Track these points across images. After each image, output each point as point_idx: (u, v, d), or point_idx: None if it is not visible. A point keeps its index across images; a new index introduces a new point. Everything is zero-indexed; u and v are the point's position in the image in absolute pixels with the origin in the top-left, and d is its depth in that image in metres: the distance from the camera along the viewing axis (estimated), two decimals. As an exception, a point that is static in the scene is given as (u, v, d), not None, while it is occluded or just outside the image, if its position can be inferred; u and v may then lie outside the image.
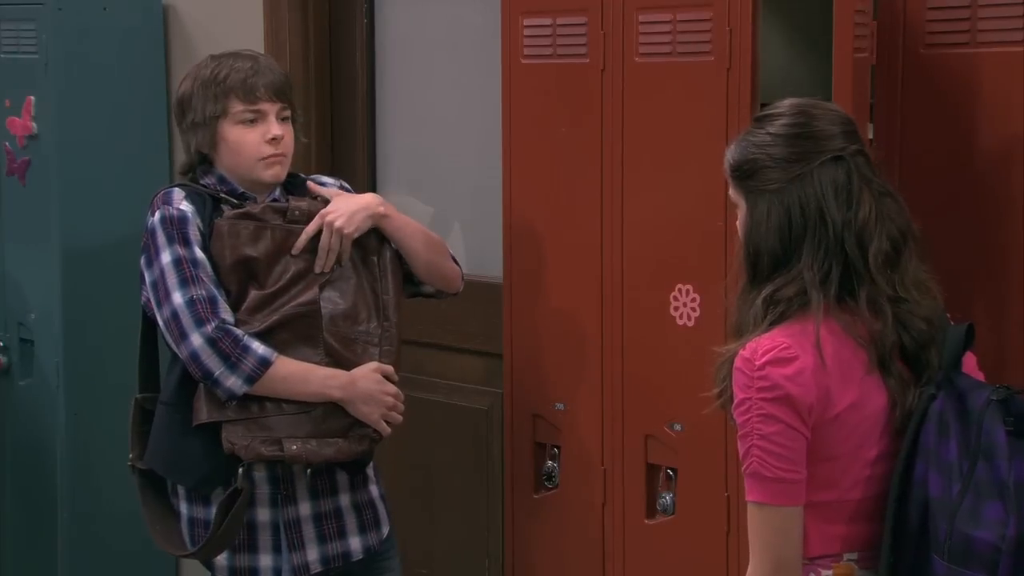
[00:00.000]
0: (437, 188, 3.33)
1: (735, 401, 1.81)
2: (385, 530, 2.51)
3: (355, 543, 2.44)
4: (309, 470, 2.38)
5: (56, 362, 3.45)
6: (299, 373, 2.35)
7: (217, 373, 2.30)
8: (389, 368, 2.41)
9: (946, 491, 1.74)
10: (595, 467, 2.59)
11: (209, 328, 2.30)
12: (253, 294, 2.36)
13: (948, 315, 1.88)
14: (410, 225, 2.50)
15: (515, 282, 2.72)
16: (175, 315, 2.33)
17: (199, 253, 2.35)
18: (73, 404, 3.44)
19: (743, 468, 1.81)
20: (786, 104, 1.88)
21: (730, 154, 1.88)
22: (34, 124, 3.45)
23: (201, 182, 2.44)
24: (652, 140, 2.45)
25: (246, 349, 2.31)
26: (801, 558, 1.81)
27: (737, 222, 1.89)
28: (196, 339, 2.30)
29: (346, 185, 2.59)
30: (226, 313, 2.33)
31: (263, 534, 2.40)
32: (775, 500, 1.78)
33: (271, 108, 2.40)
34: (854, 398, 1.80)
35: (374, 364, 2.39)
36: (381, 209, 2.45)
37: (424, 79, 3.29)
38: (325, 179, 2.58)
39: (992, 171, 2.15)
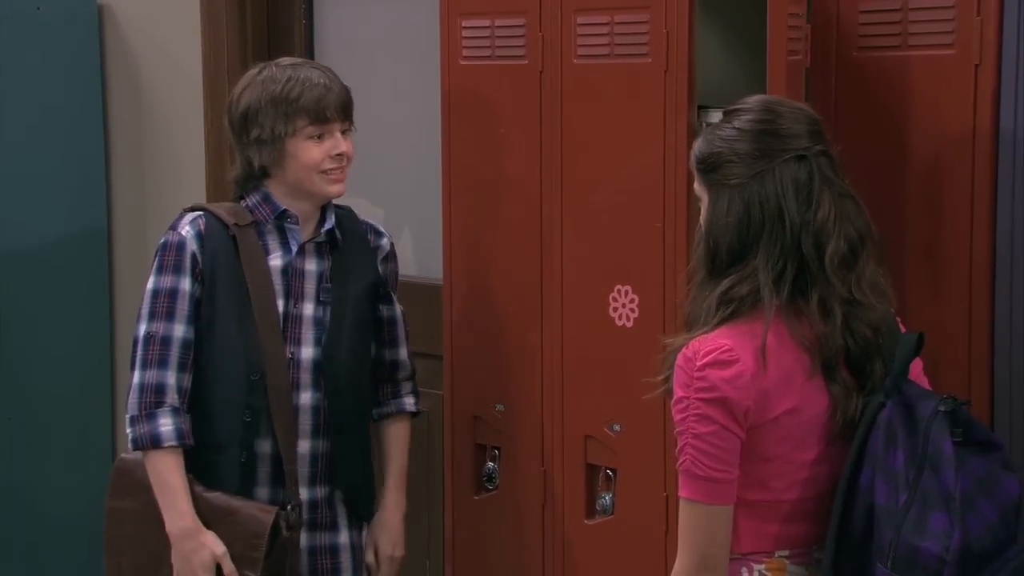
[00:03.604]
0: (378, 190, 3.31)
1: (674, 398, 1.82)
2: None
3: None
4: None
5: (-13, 365, 3.41)
6: (165, 484, 2.35)
7: (128, 415, 2.38)
8: (230, 567, 2.34)
9: (892, 499, 1.75)
10: (535, 468, 2.59)
11: (147, 374, 2.36)
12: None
13: (899, 319, 1.90)
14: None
15: (455, 283, 2.72)
16: (136, 343, 2.40)
17: (183, 284, 2.37)
18: (6, 409, 3.39)
19: (677, 464, 1.82)
20: (754, 100, 1.88)
21: (697, 146, 1.89)
22: (-34, 125, 3.41)
23: (244, 202, 2.45)
24: (590, 141, 2.46)
25: (152, 416, 2.35)
26: (727, 555, 1.82)
27: (701, 215, 1.90)
28: (137, 376, 2.38)
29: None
30: (172, 368, 2.36)
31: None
32: (705, 498, 1.80)
33: (338, 126, 2.42)
34: (793, 403, 1.81)
35: (222, 550, 2.33)
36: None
37: (364, 80, 3.27)
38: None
39: (924, 171, 2.18)
